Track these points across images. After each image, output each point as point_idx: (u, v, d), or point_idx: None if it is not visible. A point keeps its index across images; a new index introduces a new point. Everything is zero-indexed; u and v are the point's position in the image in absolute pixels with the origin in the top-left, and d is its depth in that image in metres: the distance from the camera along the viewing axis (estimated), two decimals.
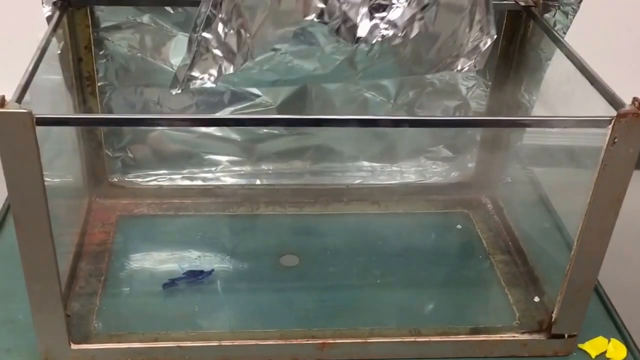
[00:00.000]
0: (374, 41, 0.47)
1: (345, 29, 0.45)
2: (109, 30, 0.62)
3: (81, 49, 0.61)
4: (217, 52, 0.46)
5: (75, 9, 0.59)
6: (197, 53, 0.46)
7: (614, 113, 0.45)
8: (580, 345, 0.56)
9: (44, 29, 0.53)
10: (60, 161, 0.60)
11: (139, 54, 0.64)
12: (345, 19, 0.45)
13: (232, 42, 0.46)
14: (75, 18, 0.60)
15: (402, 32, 0.47)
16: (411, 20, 0.47)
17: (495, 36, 0.54)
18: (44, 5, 0.55)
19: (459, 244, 0.68)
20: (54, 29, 0.53)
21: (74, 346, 0.50)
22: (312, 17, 0.44)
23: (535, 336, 0.55)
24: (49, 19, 0.55)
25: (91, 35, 0.61)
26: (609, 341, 0.56)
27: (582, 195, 0.50)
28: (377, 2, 0.46)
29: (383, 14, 0.46)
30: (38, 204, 0.43)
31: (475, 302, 0.61)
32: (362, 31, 0.46)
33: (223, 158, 0.72)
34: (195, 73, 0.47)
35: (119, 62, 0.64)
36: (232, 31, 0.45)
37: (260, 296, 0.59)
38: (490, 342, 0.54)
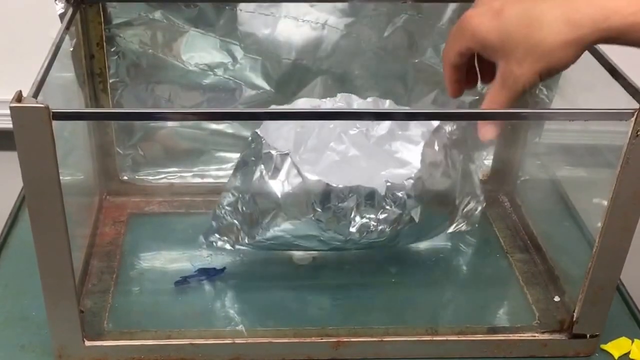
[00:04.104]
0: (365, 234, 0.55)
1: (339, 226, 0.55)
2: (120, 27, 0.63)
3: (93, 45, 0.63)
4: (236, 222, 0.57)
5: (88, 6, 0.60)
6: (221, 221, 0.58)
7: (636, 106, 0.46)
8: (602, 346, 0.56)
9: (56, 26, 0.55)
10: (72, 159, 0.61)
11: (150, 51, 0.65)
12: (339, 219, 0.55)
13: (248, 219, 0.57)
14: (88, 15, 0.61)
15: (390, 226, 0.56)
16: (399, 217, 0.55)
17: (484, 203, 0.62)
18: (56, 2, 0.56)
19: (476, 242, 0.68)
20: (67, 26, 0.54)
21: (87, 343, 0.51)
22: (310, 215, 0.54)
23: (556, 336, 0.55)
24: (61, 16, 0.56)
25: (103, 32, 0.62)
26: (633, 342, 0.56)
27: (602, 192, 0.50)
28: (367, 205, 0.54)
29: (372, 215, 0.55)
30: (53, 197, 0.44)
31: (493, 301, 0.61)
32: (353, 228, 0.55)
33: (234, 155, 0.72)
34: (218, 235, 0.59)
35: (131, 59, 0.65)
36: (248, 211, 0.56)
37: (273, 294, 0.60)
38: (509, 342, 0.55)
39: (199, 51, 0.66)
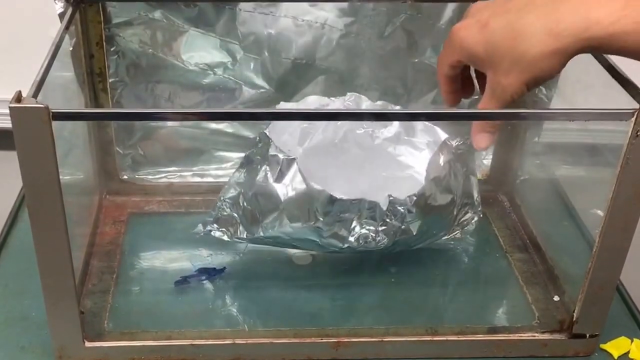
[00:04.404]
0: (363, 243, 0.56)
1: (338, 235, 0.55)
2: (120, 27, 0.63)
3: (93, 45, 0.62)
4: (236, 216, 0.57)
5: (88, 5, 0.60)
6: (221, 212, 0.58)
7: (636, 106, 0.45)
8: (602, 346, 0.56)
9: (56, 25, 0.54)
10: (72, 158, 0.61)
11: (150, 50, 0.65)
12: (339, 228, 0.55)
13: (248, 215, 0.56)
14: (88, 14, 0.60)
15: (388, 237, 0.56)
16: (398, 229, 0.56)
17: (481, 214, 0.63)
18: (56, 1, 0.56)
19: (475, 241, 0.68)
20: (67, 26, 0.54)
21: (88, 344, 0.51)
22: (311, 222, 0.54)
23: (556, 336, 0.55)
24: (61, 15, 0.55)
25: (103, 32, 0.62)
26: (632, 341, 0.56)
27: (601, 192, 0.50)
28: (368, 217, 0.55)
29: (372, 227, 0.55)
30: (53, 198, 0.44)
31: (493, 301, 0.61)
32: (352, 237, 0.56)
33: (234, 155, 0.72)
34: (216, 225, 0.58)
35: (130, 58, 0.65)
36: (249, 208, 0.56)
37: (273, 294, 0.59)
38: (509, 342, 0.54)
39: (199, 51, 0.66)
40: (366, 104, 0.62)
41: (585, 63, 0.54)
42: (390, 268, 0.63)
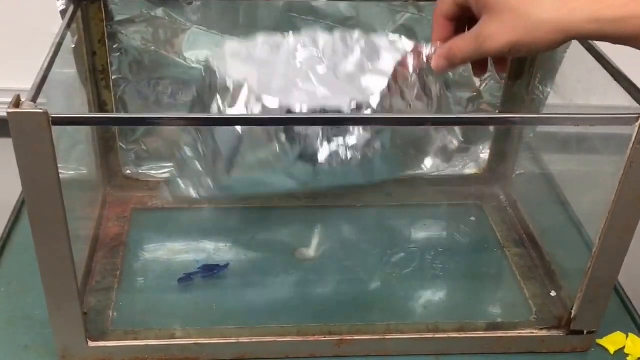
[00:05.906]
0: (334, 163, 0.49)
1: (307, 155, 0.48)
2: (122, 24, 0.60)
3: (95, 42, 0.59)
4: (199, 167, 0.50)
5: (90, 3, 0.57)
6: (183, 167, 0.51)
7: None
8: (598, 341, 0.54)
9: (57, 22, 0.51)
10: (75, 154, 0.58)
11: (152, 47, 0.62)
12: (306, 146, 0.48)
13: (211, 159, 0.50)
14: (89, 12, 0.58)
15: (361, 153, 0.49)
16: (368, 143, 0.49)
17: (462, 140, 0.55)
18: None
19: (473, 236, 0.66)
20: (69, 24, 0.51)
21: (91, 343, 0.49)
22: (274, 144, 0.47)
23: (554, 332, 0.53)
24: (62, 12, 0.53)
25: (105, 29, 0.59)
26: (627, 336, 0.55)
27: (600, 187, 0.48)
28: (334, 131, 0.48)
29: (340, 139, 0.49)
30: (54, 202, 0.41)
31: (492, 296, 0.59)
32: (322, 156, 0.49)
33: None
34: (182, 184, 0.52)
35: (133, 56, 0.62)
36: (210, 151, 0.49)
37: (276, 291, 0.57)
38: (508, 338, 0.53)
39: (201, 48, 0.63)
40: (323, 38, 0.53)
41: (586, 62, 0.52)
42: (390, 263, 0.60)
